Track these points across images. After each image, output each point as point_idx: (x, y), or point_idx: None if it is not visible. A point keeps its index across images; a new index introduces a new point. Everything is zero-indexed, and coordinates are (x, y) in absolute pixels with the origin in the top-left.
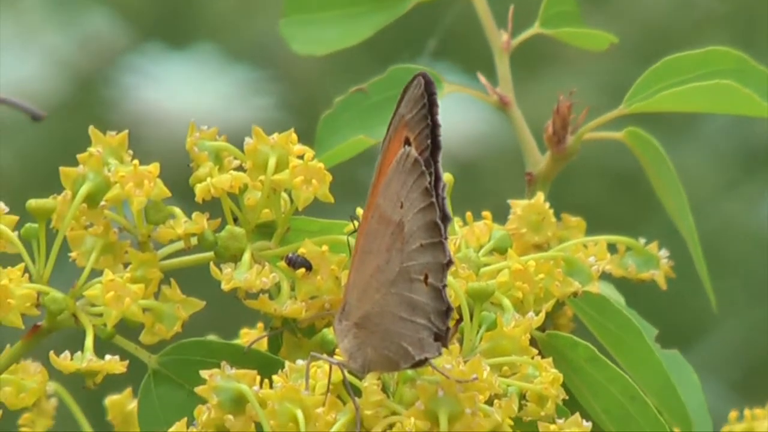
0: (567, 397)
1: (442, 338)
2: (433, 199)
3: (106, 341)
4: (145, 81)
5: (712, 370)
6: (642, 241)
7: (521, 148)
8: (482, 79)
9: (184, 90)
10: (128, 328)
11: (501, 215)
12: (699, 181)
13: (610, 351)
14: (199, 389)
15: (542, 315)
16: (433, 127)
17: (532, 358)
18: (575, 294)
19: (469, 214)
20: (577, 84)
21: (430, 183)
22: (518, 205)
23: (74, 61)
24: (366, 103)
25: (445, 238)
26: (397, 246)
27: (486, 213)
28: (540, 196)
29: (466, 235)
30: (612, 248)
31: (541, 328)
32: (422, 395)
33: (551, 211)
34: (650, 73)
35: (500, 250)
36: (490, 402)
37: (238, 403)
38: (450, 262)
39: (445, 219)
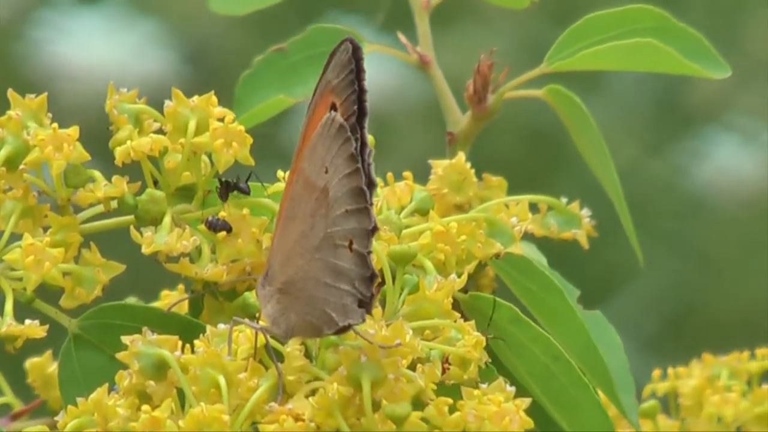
0: (490, 360)
1: (366, 304)
2: (359, 165)
3: (26, 305)
4: (56, 35)
5: (625, 327)
6: (564, 200)
7: (441, 107)
8: (402, 38)
9: (94, 44)
10: (49, 292)
11: (419, 172)
12: (614, 135)
13: (533, 312)
14: (120, 355)
15: (464, 277)
16: (360, 93)
17: (455, 321)
18: (497, 255)
19: (390, 174)
20: (495, 41)
21: (355, 149)
22: (439, 165)
23: None
24: (286, 62)
25: (371, 204)
26: (322, 212)
27: (407, 173)
28: (461, 156)
29: (387, 196)
30: (534, 208)
31: (464, 289)
32: (345, 361)
33: (472, 171)
34: (571, 31)
35: (422, 212)
36: (413, 366)
37: (159, 368)
38: (375, 229)
39: (371, 185)
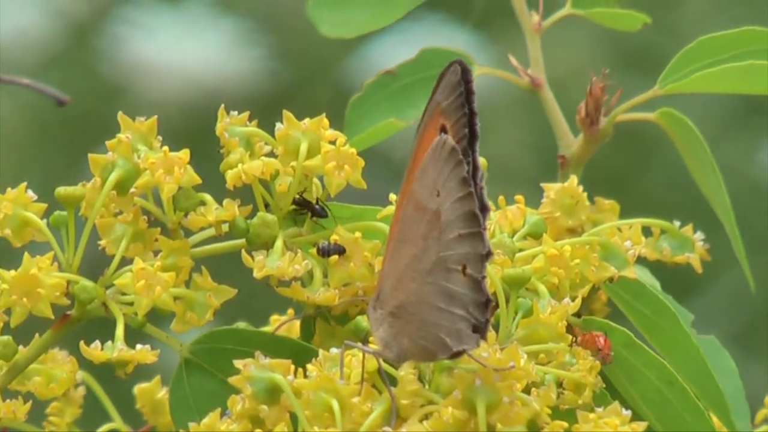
0: (604, 385)
1: (480, 330)
2: (472, 189)
3: (136, 330)
4: (139, 32)
5: (712, 322)
6: (677, 223)
7: (553, 130)
8: (513, 61)
9: (178, 41)
10: (159, 316)
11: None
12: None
13: (646, 336)
14: (232, 379)
15: (578, 301)
16: (471, 116)
17: (569, 345)
18: (611, 279)
19: (501, 197)
20: (582, 40)
21: (468, 172)
22: (551, 189)
23: (69, 11)
24: (395, 85)
25: (484, 229)
26: (434, 235)
27: (519, 197)
28: (573, 180)
29: (500, 220)
30: (646, 231)
31: (577, 314)
32: (459, 384)
33: (585, 195)
34: (684, 53)
35: (534, 235)
36: (527, 391)
37: (272, 393)
38: (489, 253)
39: (484, 209)
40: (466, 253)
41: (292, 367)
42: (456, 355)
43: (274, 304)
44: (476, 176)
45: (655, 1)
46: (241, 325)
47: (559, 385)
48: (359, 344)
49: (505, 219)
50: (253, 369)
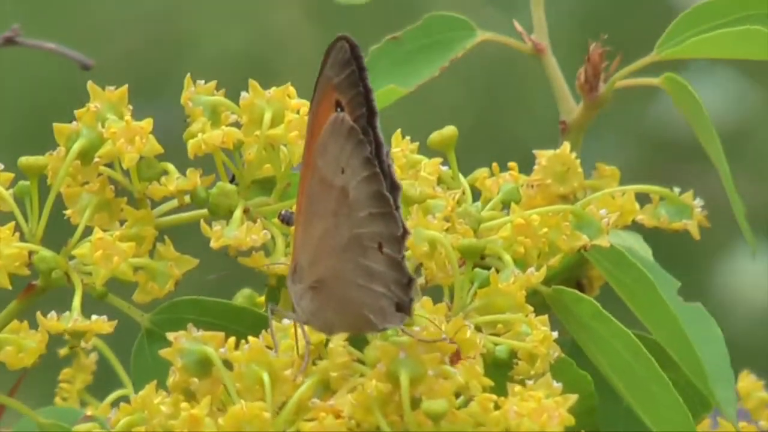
0: (562, 355)
1: (405, 308)
2: (377, 169)
3: (98, 300)
4: None
5: None
6: (676, 190)
7: (555, 95)
8: (517, 26)
9: None
10: (125, 287)
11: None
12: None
13: (628, 304)
14: (163, 352)
15: (544, 270)
16: (367, 93)
17: (527, 315)
18: (584, 248)
19: (495, 165)
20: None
21: (371, 152)
22: (543, 156)
23: None
24: (399, 51)
25: (397, 209)
26: (344, 212)
27: (512, 164)
28: (566, 146)
29: (491, 186)
30: (646, 199)
31: (547, 282)
32: (383, 357)
33: (578, 161)
34: (682, 18)
35: (509, 203)
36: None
37: (203, 365)
38: (405, 234)
39: (395, 188)
40: (380, 232)
41: (228, 339)
42: (381, 332)
43: (247, 278)
44: (381, 153)
45: None
46: None
47: (515, 355)
48: (284, 310)
49: (495, 185)
50: (185, 341)
